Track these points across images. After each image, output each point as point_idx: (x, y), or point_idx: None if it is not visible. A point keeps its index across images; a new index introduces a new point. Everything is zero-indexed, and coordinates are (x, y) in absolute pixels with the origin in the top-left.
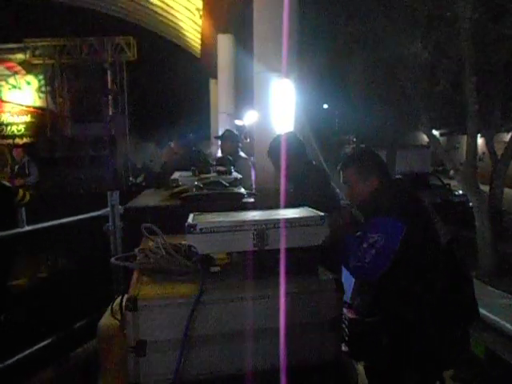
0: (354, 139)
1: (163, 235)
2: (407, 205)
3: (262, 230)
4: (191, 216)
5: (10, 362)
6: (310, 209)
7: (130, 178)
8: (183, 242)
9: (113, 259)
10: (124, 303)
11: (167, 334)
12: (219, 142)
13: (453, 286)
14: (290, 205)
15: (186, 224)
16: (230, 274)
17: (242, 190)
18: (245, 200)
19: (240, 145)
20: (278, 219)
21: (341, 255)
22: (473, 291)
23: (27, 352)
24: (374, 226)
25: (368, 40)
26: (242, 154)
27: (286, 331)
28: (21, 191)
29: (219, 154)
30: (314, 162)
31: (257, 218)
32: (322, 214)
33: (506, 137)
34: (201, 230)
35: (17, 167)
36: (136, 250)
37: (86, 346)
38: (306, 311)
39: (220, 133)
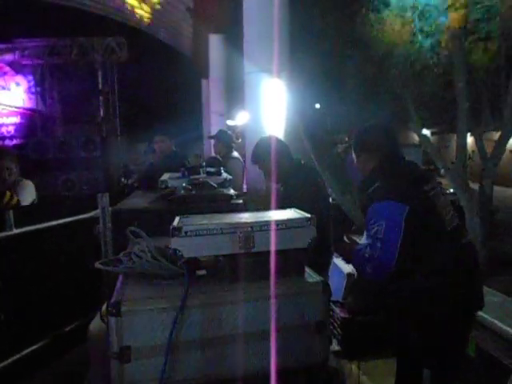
0: (347, 138)
1: (149, 238)
2: (407, 188)
3: (249, 232)
4: (177, 219)
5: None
6: (298, 210)
7: (122, 180)
8: (169, 246)
9: (97, 263)
10: (107, 308)
11: (152, 340)
12: (212, 142)
13: (459, 270)
14: (279, 205)
15: (171, 227)
16: (216, 278)
17: (231, 191)
18: (234, 201)
19: (233, 145)
20: (265, 221)
21: (357, 269)
22: (479, 278)
23: (17, 356)
24: (373, 214)
25: (359, 39)
26: (234, 153)
27: (273, 334)
28: (8, 193)
29: (212, 153)
30: (302, 161)
31: (243, 220)
32: (309, 215)
33: (495, 135)
34: (186, 232)
35: None
36: (121, 253)
37: (77, 349)
38: (293, 313)
39: (212, 133)
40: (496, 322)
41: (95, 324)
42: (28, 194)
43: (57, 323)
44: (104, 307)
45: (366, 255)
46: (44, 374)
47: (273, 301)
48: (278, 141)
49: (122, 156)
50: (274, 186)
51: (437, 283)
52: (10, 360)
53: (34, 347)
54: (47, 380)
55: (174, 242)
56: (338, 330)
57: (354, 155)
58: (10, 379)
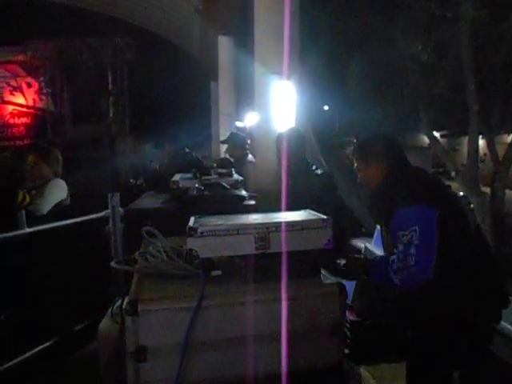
0: (355, 140)
1: (164, 238)
2: (435, 190)
3: (264, 233)
4: (192, 219)
5: (8, 365)
6: (313, 212)
7: (131, 180)
8: (183, 246)
9: (113, 263)
10: (124, 307)
11: (168, 339)
12: (224, 146)
13: (483, 269)
14: (290, 202)
15: (187, 227)
16: (231, 278)
17: (244, 193)
18: (246, 202)
19: (248, 147)
20: (280, 222)
21: (380, 282)
22: (500, 276)
23: (26, 355)
24: (403, 221)
25: (369, 41)
26: (250, 157)
27: (288, 336)
28: (21, 194)
29: (222, 155)
30: (314, 167)
31: (258, 221)
32: (325, 217)
33: (508, 138)
34: (202, 233)
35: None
36: (136, 253)
37: (86, 348)
38: (309, 315)
39: (221, 134)
40: (508, 326)
41: (105, 323)
42: (53, 192)
43: (66, 322)
44: (115, 306)
45: (394, 267)
46: (53, 374)
47: (288, 302)
48: (295, 136)
49: (130, 156)
50: (284, 180)
51: (468, 282)
52: (19, 359)
53: (44, 346)
54: (56, 379)
55: (190, 242)
56: (347, 333)
57: (359, 166)
58: (19, 378)
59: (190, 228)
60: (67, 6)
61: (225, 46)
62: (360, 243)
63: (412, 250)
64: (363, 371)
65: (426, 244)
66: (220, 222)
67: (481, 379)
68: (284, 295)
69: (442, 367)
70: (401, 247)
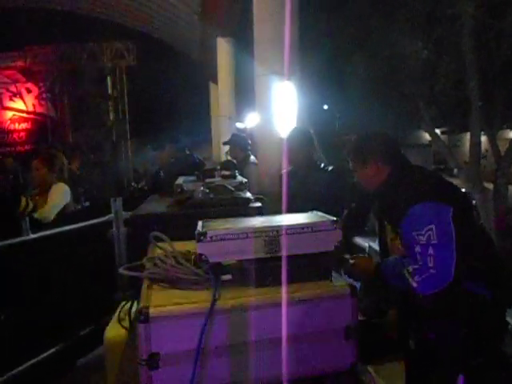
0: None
1: (172, 243)
2: (443, 186)
3: (274, 236)
4: (200, 223)
5: (14, 371)
6: (321, 213)
7: (132, 183)
8: (191, 250)
9: (121, 269)
10: (134, 314)
11: (180, 345)
12: (226, 148)
13: (489, 267)
14: (301, 202)
15: (196, 232)
16: (241, 282)
17: (248, 195)
18: (251, 205)
19: (249, 148)
20: (289, 225)
21: (394, 284)
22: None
23: (32, 361)
24: (416, 220)
25: (369, 39)
26: (252, 158)
27: (300, 339)
28: (23, 201)
29: (223, 158)
30: (320, 163)
31: (267, 224)
32: (334, 218)
33: (509, 134)
34: (211, 238)
35: (11, 177)
36: (145, 258)
37: (92, 354)
38: (321, 318)
39: (221, 136)
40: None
41: (112, 328)
42: (57, 196)
43: (72, 327)
44: (122, 311)
45: (410, 269)
46: (59, 379)
47: (300, 305)
48: (298, 135)
49: (132, 159)
50: (285, 185)
51: (475, 281)
52: (25, 365)
53: (49, 352)
54: None
55: (200, 247)
56: None
57: (355, 166)
58: None
59: (200, 233)
60: (67, 11)
61: (224, 47)
62: (363, 242)
63: (430, 251)
64: (371, 371)
65: (444, 243)
66: (229, 226)
67: (486, 379)
68: (295, 298)
69: (445, 371)
70: (418, 248)
